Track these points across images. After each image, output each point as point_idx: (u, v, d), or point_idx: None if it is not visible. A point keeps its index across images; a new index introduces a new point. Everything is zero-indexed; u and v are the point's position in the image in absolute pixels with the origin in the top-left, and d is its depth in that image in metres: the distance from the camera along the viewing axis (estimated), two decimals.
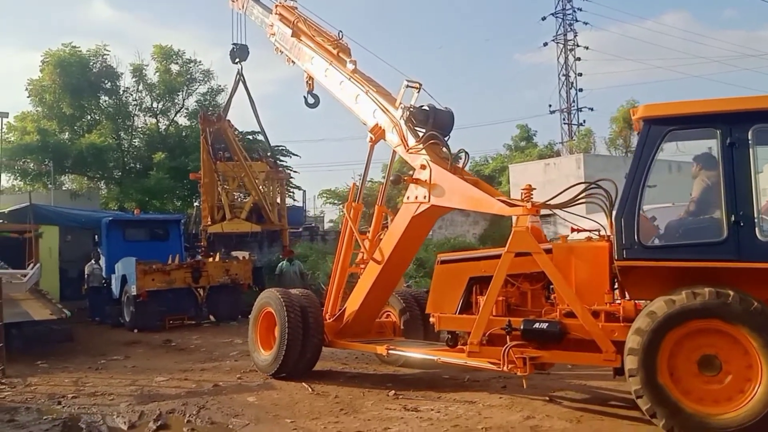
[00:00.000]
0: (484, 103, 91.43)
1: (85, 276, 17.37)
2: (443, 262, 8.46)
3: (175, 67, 28.66)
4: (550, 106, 46.44)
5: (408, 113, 8.78)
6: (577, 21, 47.23)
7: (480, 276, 7.85)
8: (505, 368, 6.86)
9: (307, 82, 11.81)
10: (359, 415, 7.30)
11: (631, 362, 6.00)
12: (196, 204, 29.42)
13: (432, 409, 7.37)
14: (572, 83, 46.72)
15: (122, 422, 7.34)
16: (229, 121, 20.15)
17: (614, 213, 6.51)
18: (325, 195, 39.83)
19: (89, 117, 28.19)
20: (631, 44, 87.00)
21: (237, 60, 18.81)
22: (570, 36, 47.12)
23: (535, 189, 7.44)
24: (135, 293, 15.20)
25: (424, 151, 8.59)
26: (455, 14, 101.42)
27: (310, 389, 8.52)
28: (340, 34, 10.71)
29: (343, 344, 9.51)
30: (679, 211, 6.95)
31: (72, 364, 11.02)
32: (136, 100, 28.76)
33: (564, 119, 46.08)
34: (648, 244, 6.36)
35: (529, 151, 38.51)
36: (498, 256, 7.32)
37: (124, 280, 15.91)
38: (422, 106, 8.85)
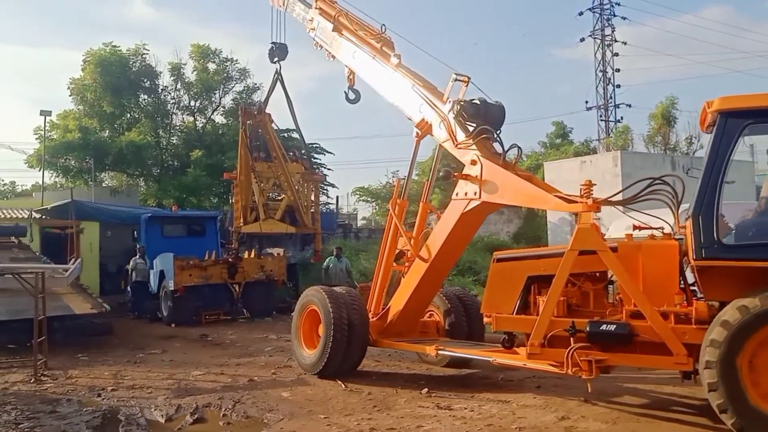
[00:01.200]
0: (520, 100, 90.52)
1: (129, 271, 17.51)
2: (500, 260, 7.97)
3: (212, 66, 29.03)
4: (586, 102, 45.72)
5: (458, 107, 8.52)
6: (614, 16, 46.34)
7: (539, 275, 7.45)
8: (569, 371, 6.58)
9: (348, 77, 11.57)
10: (392, 412, 7.31)
11: (711, 354, 5.78)
12: (231, 201, 29.85)
13: (465, 408, 7.35)
14: (609, 79, 45.89)
15: (160, 415, 7.48)
16: (269, 114, 19.69)
17: (691, 210, 6.21)
18: (358, 192, 39.79)
19: (129, 115, 28.68)
20: (670, 39, 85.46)
21: (276, 59, 18.62)
22: (607, 31, 46.36)
23: (595, 185, 7.14)
24: (173, 288, 15.47)
25: (474, 146, 8.34)
26: (491, 10, 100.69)
27: (343, 386, 8.56)
28: (383, 27, 10.53)
29: (389, 344, 9.31)
30: (747, 209, 6.72)
31: (111, 357, 11.25)
32: (174, 98, 29.23)
33: (601, 116, 45.34)
34: (729, 243, 6.10)
35: (565, 148, 37.96)
36: (558, 255, 7.07)
37: (162, 275, 16.20)
38: (473, 99, 8.61)
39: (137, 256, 17.46)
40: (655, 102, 43.44)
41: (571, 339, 6.68)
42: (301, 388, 8.63)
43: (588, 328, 6.63)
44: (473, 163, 8.26)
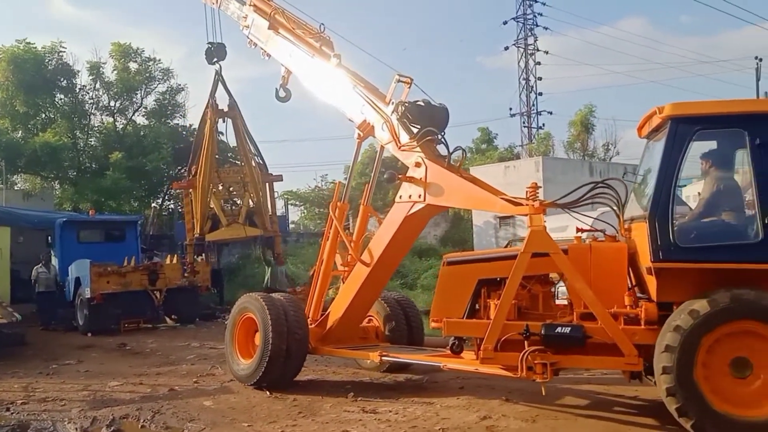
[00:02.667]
0: (449, 105, 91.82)
1: (32, 281, 16.63)
2: (450, 263, 7.73)
3: (133, 66, 28.16)
4: (510, 109, 47.08)
5: (403, 108, 8.34)
6: (537, 26, 47.96)
7: (490, 278, 7.34)
8: (523, 374, 6.55)
9: (282, 76, 11.17)
10: (317, 417, 7.27)
11: (666, 359, 5.90)
12: (153, 205, 29.04)
13: (390, 411, 7.38)
14: (532, 87, 47.40)
15: (74, 428, 7.17)
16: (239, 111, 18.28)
17: (648, 213, 6.29)
18: (287, 196, 39.50)
19: (44, 115, 27.51)
20: (590, 49, 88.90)
21: (215, 60, 17.61)
22: (530, 41, 47.83)
23: (540, 187, 7.21)
24: (89, 296, 14.92)
25: (418, 149, 8.18)
26: (418, 17, 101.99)
27: (267, 392, 8.43)
28: (322, 26, 10.24)
29: (329, 351, 9.09)
30: (690, 212, 6.85)
31: (22, 369, 10.73)
32: (92, 98, 28.15)
33: (524, 122, 46.70)
34: (684, 246, 6.21)
35: (490, 153, 38.88)
36: (509, 257, 7.01)
37: (77, 282, 15.61)
38: (417, 101, 8.47)
39: (39, 265, 16.59)
40: (574, 110, 44.96)
41: (525, 342, 6.64)
42: (224, 396, 8.46)
43: (543, 331, 6.60)
44: (417, 165, 8.12)
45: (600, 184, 6.99)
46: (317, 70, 9.87)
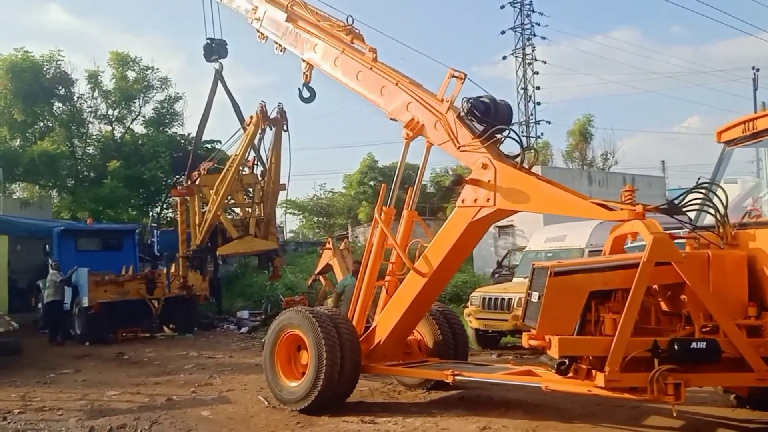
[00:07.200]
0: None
1: (46, 287, 15.89)
2: (558, 273, 6.56)
3: (131, 74, 28.23)
4: None
5: (468, 105, 7.60)
6: (535, 36, 48.21)
7: (602, 290, 6.44)
8: (653, 396, 5.89)
9: (304, 73, 10.30)
10: (315, 428, 7.22)
11: None
12: (151, 213, 28.99)
13: (389, 421, 7.34)
14: (530, 96, 47.61)
15: None
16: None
17: None
18: (285, 205, 39.53)
19: (42, 124, 27.55)
20: (585, 59, 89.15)
21: (215, 57, 16.53)
22: (528, 50, 48.05)
23: (637, 190, 6.70)
24: (87, 305, 14.85)
25: (483, 149, 7.49)
26: (415, 25, 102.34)
27: (266, 402, 8.39)
28: (350, 19, 9.53)
29: (382, 369, 8.45)
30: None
31: (19, 378, 10.66)
32: (90, 107, 28.27)
33: (522, 132, 46.85)
34: None
35: None
36: (623, 266, 6.33)
37: (75, 291, 15.51)
38: (480, 97, 7.70)
39: (54, 270, 15.65)
40: (572, 119, 45.23)
41: (656, 360, 5.98)
42: (222, 406, 8.42)
43: (676, 347, 5.93)
44: (484, 167, 7.40)
45: (696, 188, 6.54)
46: (350, 66, 9.11)
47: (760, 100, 28.69)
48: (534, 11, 47.81)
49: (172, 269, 17.24)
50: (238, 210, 18.65)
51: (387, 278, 8.66)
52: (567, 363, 6.32)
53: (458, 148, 7.71)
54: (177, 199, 18.35)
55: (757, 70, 30.98)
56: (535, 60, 48.00)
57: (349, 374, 7.81)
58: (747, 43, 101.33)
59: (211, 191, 16.79)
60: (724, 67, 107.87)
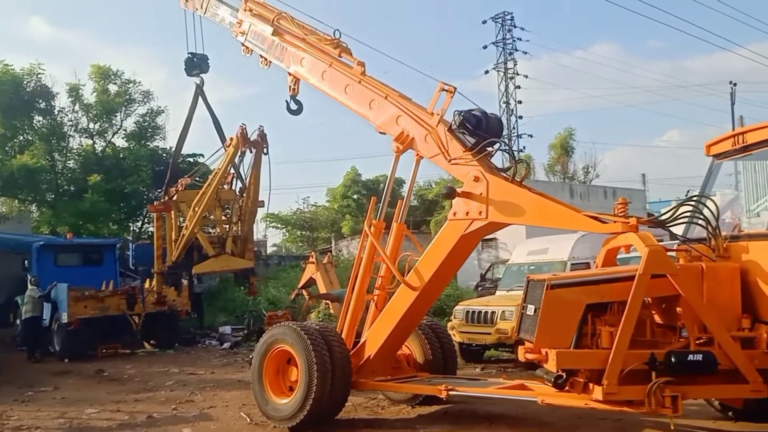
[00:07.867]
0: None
1: (24, 303, 15.51)
2: (554, 286, 6.55)
3: (113, 88, 28.03)
4: None
5: (461, 118, 7.61)
6: (516, 50, 48.68)
7: (598, 302, 6.47)
8: (651, 409, 5.90)
9: (290, 86, 10.29)
10: None
11: None
12: (132, 228, 28.72)
13: None
14: (512, 110, 47.96)
15: None
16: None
17: None
18: (268, 219, 39.31)
19: (21, 137, 27.20)
20: (566, 73, 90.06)
21: (196, 72, 16.24)
22: (510, 65, 48.49)
23: (630, 202, 6.76)
24: (66, 321, 14.64)
25: (474, 162, 7.50)
26: (398, 39, 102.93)
27: (248, 419, 8.31)
28: (337, 33, 9.55)
29: (373, 385, 8.38)
30: None
31: None
32: (71, 120, 27.94)
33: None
34: None
35: None
36: (619, 279, 6.38)
37: (54, 307, 15.29)
38: (472, 110, 7.74)
39: (33, 286, 15.41)
40: (553, 133, 45.56)
41: (653, 373, 6.01)
42: (204, 423, 8.32)
43: (673, 360, 5.95)
44: (476, 179, 7.40)
45: (689, 201, 6.68)
46: (338, 79, 9.13)
47: (738, 114, 29.13)
48: (515, 26, 48.30)
49: (147, 284, 17.00)
50: (214, 227, 18.34)
51: (376, 292, 8.59)
52: (564, 377, 6.28)
53: (449, 161, 7.70)
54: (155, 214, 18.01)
55: (735, 84, 31.45)
56: (517, 74, 48.41)
57: (339, 392, 7.70)
58: (724, 58, 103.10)
59: (189, 208, 16.46)
60: (702, 82, 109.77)
